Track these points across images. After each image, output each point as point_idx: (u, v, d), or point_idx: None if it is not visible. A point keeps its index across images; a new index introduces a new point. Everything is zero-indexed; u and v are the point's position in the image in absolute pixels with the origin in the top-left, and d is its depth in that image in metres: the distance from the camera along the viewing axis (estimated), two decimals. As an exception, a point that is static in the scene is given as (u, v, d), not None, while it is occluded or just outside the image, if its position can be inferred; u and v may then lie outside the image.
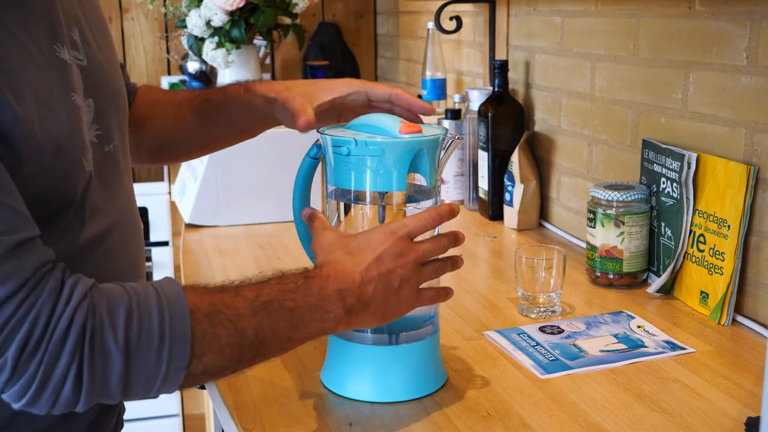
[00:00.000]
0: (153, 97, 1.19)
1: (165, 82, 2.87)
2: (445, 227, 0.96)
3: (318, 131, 0.96)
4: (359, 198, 0.93)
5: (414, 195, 0.94)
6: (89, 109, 0.87)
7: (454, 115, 1.83)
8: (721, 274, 1.16)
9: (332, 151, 0.93)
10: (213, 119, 1.14)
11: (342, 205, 0.95)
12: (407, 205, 0.95)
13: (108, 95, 0.92)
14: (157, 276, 2.38)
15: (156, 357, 0.73)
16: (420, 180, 0.94)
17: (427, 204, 0.94)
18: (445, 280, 1.02)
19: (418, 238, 0.90)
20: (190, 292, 0.77)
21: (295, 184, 1.01)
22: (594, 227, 1.33)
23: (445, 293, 0.94)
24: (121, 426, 1.05)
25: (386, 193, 0.92)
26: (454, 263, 0.93)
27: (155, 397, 0.76)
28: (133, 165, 1.21)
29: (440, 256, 0.91)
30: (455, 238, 0.92)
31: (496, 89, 1.70)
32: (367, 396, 0.95)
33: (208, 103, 1.13)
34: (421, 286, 0.90)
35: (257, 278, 0.84)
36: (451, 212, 0.91)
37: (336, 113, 1.09)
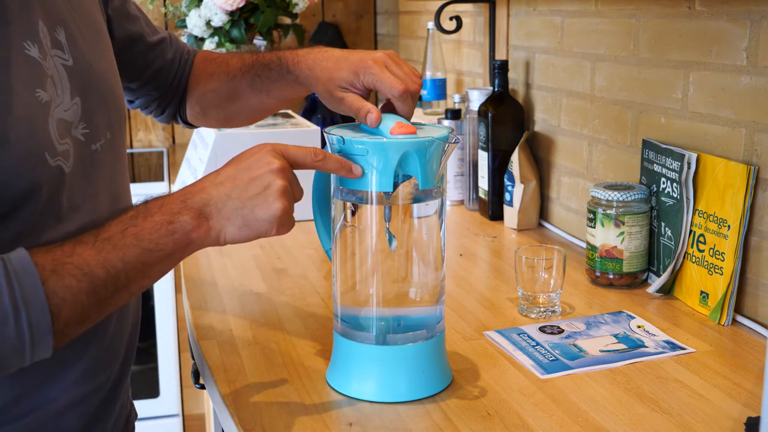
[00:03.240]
0: (208, 70, 1.21)
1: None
2: (448, 220, 0.96)
3: (323, 130, 0.96)
4: (355, 196, 0.93)
5: (418, 195, 0.94)
6: (76, 107, 0.88)
7: (454, 115, 1.83)
8: (721, 274, 1.16)
9: (330, 149, 0.94)
10: (265, 92, 1.15)
11: (342, 203, 0.95)
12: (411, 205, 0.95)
13: (97, 94, 0.93)
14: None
15: (16, 330, 0.72)
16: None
17: (431, 204, 0.95)
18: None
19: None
20: (34, 252, 0.75)
21: (313, 180, 1.02)
22: (594, 227, 1.33)
23: (346, 166, 0.90)
24: (132, 429, 1.06)
25: (386, 192, 0.92)
26: (342, 165, 0.90)
27: (33, 361, 0.75)
28: (196, 125, 1.27)
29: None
30: (338, 163, 0.89)
31: (496, 89, 1.70)
32: (373, 396, 0.95)
33: (259, 79, 1.13)
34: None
35: (96, 223, 0.82)
36: (344, 166, 0.89)
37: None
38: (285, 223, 0.86)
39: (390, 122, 0.93)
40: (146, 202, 0.83)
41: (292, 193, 0.87)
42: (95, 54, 0.95)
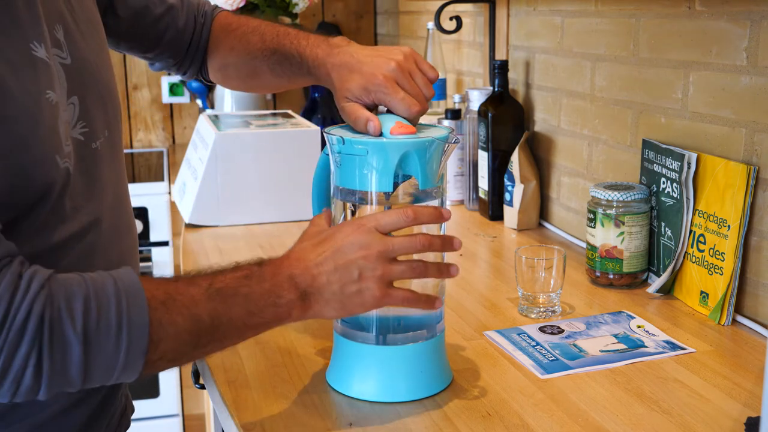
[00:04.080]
0: (228, 42, 1.21)
1: (165, 81, 2.87)
2: (446, 229, 0.95)
3: (323, 130, 0.96)
4: (355, 196, 0.93)
5: (419, 196, 0.94)
6: (73, 107, 0.88)
7: (454, 115, 1.83)
8: (721, 274, 1.16)
9: (330, 149, 0.94)
10: (285, 78, 1.16)
11: (342, 203, 0.95)
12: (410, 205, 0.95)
13: (95, 92, 0.92)
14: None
15: (115, 344, 0.74)
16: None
17: (431, 204, 0.94)
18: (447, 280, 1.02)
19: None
20: (146, 281, 0.78)
21: (313, 180, 1.02)
22: (594, 227, 1.33)
23: (426, 300, 0.90)
24: (128, 426, 1.06)
25: (386, 193, 0.92)
26: (441, 270, 0.90)
27: (116, 383, 0.77)
28: (216, 83, 1.28)
29: (431, 260, 0.90)
30: (441, 242, 0.89)
31: (496, 89, 1.70)
32: (373, 396, 0.95)
33: (280, 67, 1.14)
34: (399, 285, 0.88)
35: (212, 269, 0.85)
36: (435, 215, 0.89)
37: None
38: (383, 304, 0.88)
39: (390, 122, 0.93)
40: (261, 265, 0.85)
41: (391, 273, 0.87)
42: (92, 50, 0.94)
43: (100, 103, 0.93)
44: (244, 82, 1.23)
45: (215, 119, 1.88)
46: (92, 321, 0.73)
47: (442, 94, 2.14)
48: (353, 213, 0.95)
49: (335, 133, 0.94)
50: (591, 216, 1.33)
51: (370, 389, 0.95)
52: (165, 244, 2.42)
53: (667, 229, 1.29)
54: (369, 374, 0.95)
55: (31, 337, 0.71)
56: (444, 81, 2.13)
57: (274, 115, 2.01)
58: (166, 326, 0.76)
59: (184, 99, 2.90)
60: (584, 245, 1.42)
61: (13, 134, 0.76)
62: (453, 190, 1.85)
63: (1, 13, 0.78)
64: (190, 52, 1.22)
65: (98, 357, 0.74)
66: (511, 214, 1.67)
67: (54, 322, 0.72)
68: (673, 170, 1.26)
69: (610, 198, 1.30)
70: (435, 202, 0.95)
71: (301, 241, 0.91)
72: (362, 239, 0.86)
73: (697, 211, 1.22)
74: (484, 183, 1.73)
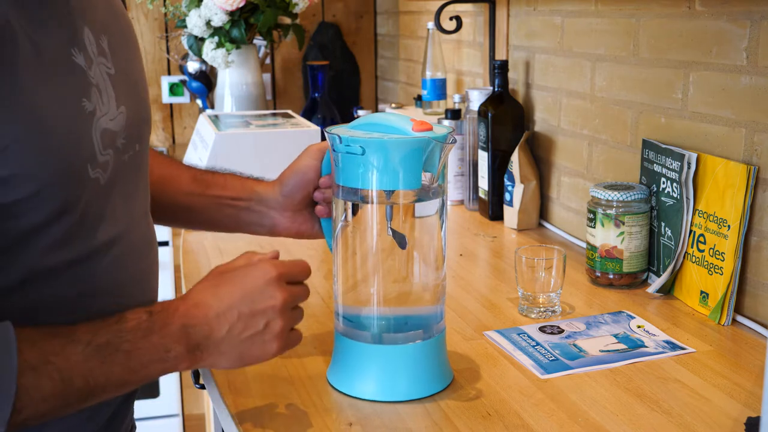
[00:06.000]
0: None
1: (165, 82, 2.87)
2: (447, 220, 0.96)
3: (325, 129, 0.97)
4: (357, 195, 0.93)
5: (420, 195, 0.94)
6: (122, 116, 0.87)
7: (454, 115, 1.83)
8: (721, 274, 1.16)
9: (330, 149, 0.95)
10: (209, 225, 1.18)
11: (343, 202, 0.96)
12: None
13: (133, 104, 0.91)
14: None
15: None
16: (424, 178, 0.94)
17: (432, 203, 0.95)
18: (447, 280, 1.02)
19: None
20: (22, 339, 0.73)
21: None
22: (594, 227, 1.33)
23: (297, 337, 0.91)
24: (134, 428, 1.05)
25: (387, 191, 0.92)
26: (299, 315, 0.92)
27: None
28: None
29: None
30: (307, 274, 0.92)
31: (496, 89, 1.70)
32: (374, 395, 0.95)
33: (204, 213, 1.15)
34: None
35: (102, 316, 0.79)
36: (306, 271, 0.91)
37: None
38: (278, 355, 0.88)
39: (402, 121, 0.93)
40: (150, 312, 0.81)
41: (293, 321, 0.89)
42: (132, 64, 0.94)
43: (137, 117, 0.92)
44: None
45: (215, 119, 1.88)
46: None
47: (442, 94, 2.14)
48: (354, 213, 0.95)
49: (336, 132, 0.94)
50: (591, 216, 1.33)
51: (370, 388, 0.95)
52: (165, 244, 2.42)
53: (667, 229, 1.29)
54: (370, 373, 0.95)
55: None
56: (444, 81, 2.13)
57: (274, 115, 2.01)
58: (32, 392, 0.72)
59: (185, 99, 2.90)
60: (584, 245, 1.42)
61: (44, 140, 0.74)
62: (453, 190, 1.85)
63: (46, 15, 0.77)
64: None
65: None
66: (511, 214, 1.67)
67: None
68: (673, 170, 1.26)
69: (610, 198, 1.30)
70: (436, 202, 0.95)
71: (205, 279, 0.87)
72: (271, 289, 0.85)
73: (697, 211, 1.22)
74: (484, 183, 1.73)
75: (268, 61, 2.93)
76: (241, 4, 2.18)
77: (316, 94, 2.47)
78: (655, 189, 1.31)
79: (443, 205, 0.96)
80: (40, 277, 0.79)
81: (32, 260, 0.78)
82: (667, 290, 1.28)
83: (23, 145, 0.73)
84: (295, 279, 0.89)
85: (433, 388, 0.97)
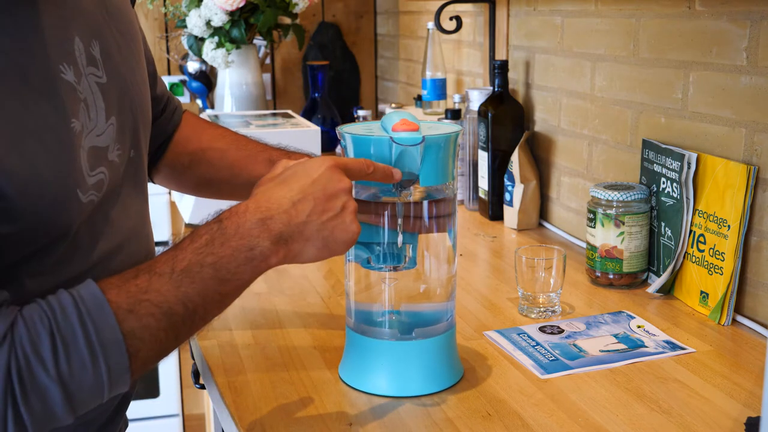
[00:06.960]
0: (205, 155, 1.16)
1: (165, 81, 2.87)
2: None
3: (336, 128, 0.98)
4: (368, 192, 0.94)
5: (430, 192, 0.95)
6: (112, 128, 0.84)
7: (454, 115, 1.83)
8: (721, 274, 1.16)
9: (342, 146, 0.96)
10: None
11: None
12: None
13: (128, 109, 0.89)
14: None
15: (93, 374, 0.70)
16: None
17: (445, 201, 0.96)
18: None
19: None
20: (107, 289, 0.73)
21: None
22: (594, 227, 1.33)
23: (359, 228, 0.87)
24: (125, 425, 1.05)
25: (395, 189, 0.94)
26: (386, 175, 0.89)
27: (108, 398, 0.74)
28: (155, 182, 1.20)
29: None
30: (381, 173, 0.88)
31: (496, 89, 1.70)
32: (387, 391, 0.96)
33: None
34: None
35: (170, 245, 0.79)
36: (387, 173, 0.88)
37: None
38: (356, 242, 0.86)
39: (395, 118, 0.94)
40: (220, 220, 0.79)
41: (356, 206, 0.86)
42: (129, 66, 0.91)
43: (132, 123, 0.90)
44: (192, 189, 1.19)
45: (215, 119, 1.88)
46: (62, 360, 0.69)
47: (442, 94, 2.14)
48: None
49: (347, 130, 0.94)
50: (591, 216, 1.33)
51: (383, 384, 0.96)
52: (165, 244, 2.42)
53: (667, 229, 1.29)
54: (382, 369, 0.96)
55: (2, 394, 0.67)
56: (444, 81, 2.13)
57: (274, 115, 2.02)
58: (140, 333, 0.72)
59: (185, 99, 2.90)
60: (584, 245, 1.42)
61: (30, 175, 0.71)
62: (453, 190, 1.85)
63: (28, 33, 0.74)
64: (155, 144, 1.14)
65: (80, 391, 0.70)
66: (511, 214, 1.67)
67: (23, 372, 0.68)
68: (673, 170, 1.26)
69: (610, 198, 1.30)
70: (446, 200, 0.96)
71: (259, 185, 0.84)
72: (335, 174, 0.83)
73: (697, 211, 1.22)
74: (484, 183, 1.73)
75: (268, 61, 2.93)
76: (241, 4, 2.18)
77: (316, 94, 2.47)
78: (655, 189, 1.31)
79: (453, 202, 0.97)
80: (28, 298, 0.75)
81: (18, 288, 0.75)
82: (667, 290, 1.28)
83: (6, 188, 0.70)
84: (353, 172, 0.86)
85: (445, 383, 0.97)
